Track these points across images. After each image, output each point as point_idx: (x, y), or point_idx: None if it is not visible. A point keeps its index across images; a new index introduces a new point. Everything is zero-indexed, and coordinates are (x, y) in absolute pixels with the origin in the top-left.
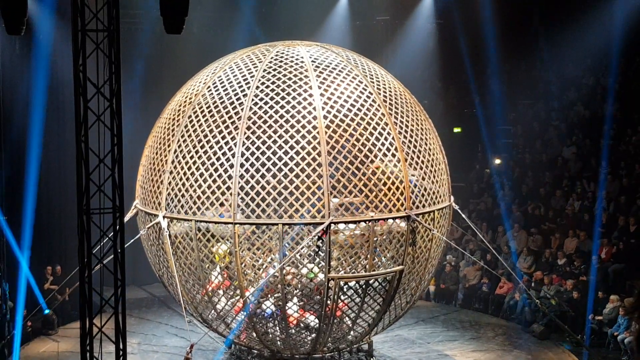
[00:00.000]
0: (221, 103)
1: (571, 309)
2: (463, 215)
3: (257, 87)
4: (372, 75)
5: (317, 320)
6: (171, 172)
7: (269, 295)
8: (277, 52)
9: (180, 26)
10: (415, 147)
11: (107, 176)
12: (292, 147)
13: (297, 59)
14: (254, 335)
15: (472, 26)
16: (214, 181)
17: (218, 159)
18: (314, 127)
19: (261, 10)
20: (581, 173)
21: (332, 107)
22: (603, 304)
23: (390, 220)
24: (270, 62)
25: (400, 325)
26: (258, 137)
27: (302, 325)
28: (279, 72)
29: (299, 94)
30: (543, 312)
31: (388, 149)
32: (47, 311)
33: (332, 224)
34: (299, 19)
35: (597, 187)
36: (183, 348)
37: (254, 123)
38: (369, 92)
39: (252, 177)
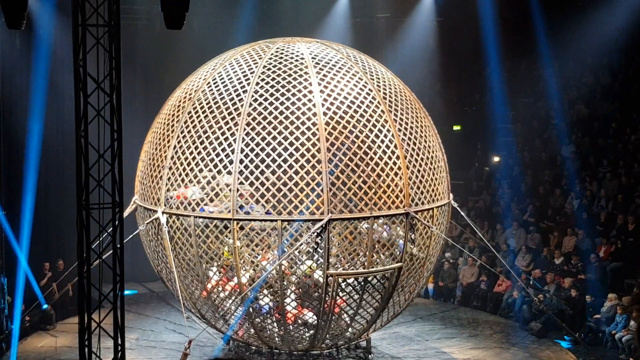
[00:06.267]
0: (221, 99)
1: (569, 307)
2: (462, 213)
3: (257, 84)
4: (372, 72)
5: (315, 317)
6: (170, 168)
7: (266, 291)
8: (277, 48)
9: (181, 22)
10: (414, 144)
11: (106, 171)
12: (291, 144)
13: (297, 56)
14: (252, 331)
15: (473, 24)
16: (213, 177)
17: (217, 155)
18: (314, 124)
19: (261, 6)
20: (580, 172)
21: (331, 104)
22: (601, 303)
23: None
24: (270, 59)
25: (399, 323)
26: (258, 134)
27: (300, 321)
28: (279, 69)
29: (299, 91)
30: (541, 309)
31: (387, 146)
32: (45, 306)
33: (331, 221)
34: (300, 16)
35: (596, 186)
36: (181, 344)
37: (254, 119)
38: (369, 89)
39: (252, 173)
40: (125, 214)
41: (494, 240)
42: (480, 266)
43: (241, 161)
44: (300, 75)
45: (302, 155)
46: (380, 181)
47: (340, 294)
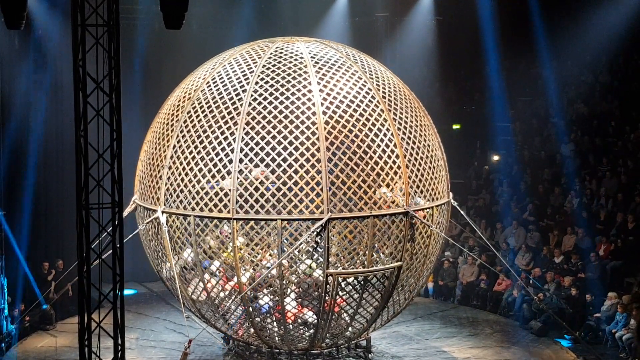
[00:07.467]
0: (220, 99)
1: (569, 306)
2: (462, 212)
3: (257, 83)
4: (371, 71)
5: (315, 316)
6: (170, 168)
7: (265, 290)
8: (277, 48)
9: (180, 22)
10: (414, 143)
11: (106, 171)
12: (291, 143)
13: (296, 55)
14: (252, 330)
15: (471, 23)
16: (213, 177)
17: (217, 154)
18: (313, 123)
19: (260, 6)
20: (580, 170)
21: (331, 103)
22: (601, 301)
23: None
24: (270, 58)
25: (399, 322)
26: (257, 133)
27: (300, 321)
28: (278, 68)
29: (298, 90)
30: (541, 308)
31: (387, 145)
32: (45, 306)
33: (331, 220)
34: (299, 15)
35: (596, 184)
36: (181, 343)
37: (253, 119)
38: (368, 89)
39: (251, 172)
40: (125, 213)
41: (493, 239)
42: (480, 265)
43: (241, 160)
44: (300, 75)
45: (302, 155)
46: (380, 180)
47: (340, 293)
